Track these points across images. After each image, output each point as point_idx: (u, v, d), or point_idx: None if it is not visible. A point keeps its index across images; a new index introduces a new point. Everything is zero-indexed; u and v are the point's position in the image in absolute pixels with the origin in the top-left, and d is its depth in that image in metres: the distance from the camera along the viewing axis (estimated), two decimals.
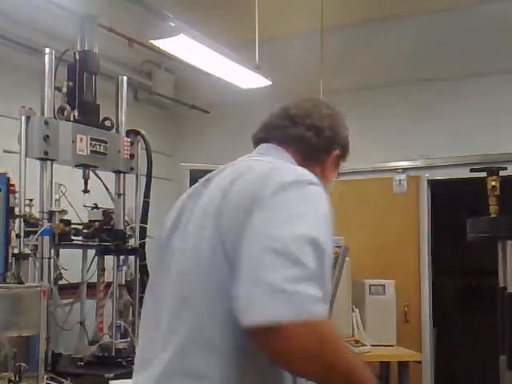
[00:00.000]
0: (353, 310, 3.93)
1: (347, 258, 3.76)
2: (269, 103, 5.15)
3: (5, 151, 3.01)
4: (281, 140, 1.45)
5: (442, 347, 5.35)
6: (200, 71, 3.65)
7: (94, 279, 3.11)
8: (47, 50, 2.63)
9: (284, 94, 4.72)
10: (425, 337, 4.80)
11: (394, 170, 4.94)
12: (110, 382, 2.48)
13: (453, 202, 5.63)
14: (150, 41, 3.08)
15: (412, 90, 4.83)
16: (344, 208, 4.96)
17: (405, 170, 4.93)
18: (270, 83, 3.90)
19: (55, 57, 2.66)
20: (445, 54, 4.57)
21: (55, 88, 2.68)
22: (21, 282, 2.07)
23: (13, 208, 2.47)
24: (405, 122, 4.91)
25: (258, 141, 1.53)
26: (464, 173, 4.63)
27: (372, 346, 3.81)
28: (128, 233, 3.07)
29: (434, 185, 4.95)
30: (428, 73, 4.67)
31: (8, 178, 2.42)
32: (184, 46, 3.16)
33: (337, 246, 3.73)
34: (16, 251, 2.46)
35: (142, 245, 3.10)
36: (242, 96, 4.34)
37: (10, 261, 2.39)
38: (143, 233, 3.13)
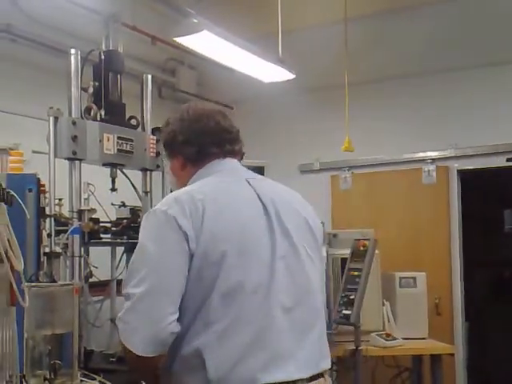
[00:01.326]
0: (383, 304, 3.91)
1: (376, 251, 3.74)
2: (293, 96, 5.24)
3: (33, 152, 3.07)
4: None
5: (475, 339, 5.28)
6: (223, 67, 3.67)
7: (123, 276, 3.15)
8: (73, 51, 2.67)
9: (308, 87, 4.78)
10: (457, 329, 4.76)
11: (423, 160, 4.89)
12: None
13: (483, 192, 5.54)
14: (173, 38, 3.10)
15: (439, 78, 4.77)
16: (373, 200, 4.94)
17: (434, 160, 4.87)
18: (294, 76, 3.88)
19: (81, 57, 2.69)
20: (474, 41, 4.49)
21: (81, 88, 2.72)
22: (53, 281, 2.12)
23: (43, 208, 2.52)
24: (432, 111, 4.85)
25: (241, 155, 1.79)
26: (494, 162, 4.56)
27: (403, 339, 3.80)
28: None
29: (464, 175, 4.88)
30: (456, 60, 4.61)
31: (38, 179, 2.47)
32: (207, 43, 3.18)
33: (365, 239, 3.72)
34: (47, 250, 2.51)
35: None
36: (265, 90, 4.35)
37: (41, 260, 2.45)
38: None
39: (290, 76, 3.89)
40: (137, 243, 2.93)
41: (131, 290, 1.43)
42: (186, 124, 1.63)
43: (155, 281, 1.41)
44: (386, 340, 3.72)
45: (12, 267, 1.83)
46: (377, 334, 3.74)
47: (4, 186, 1.96)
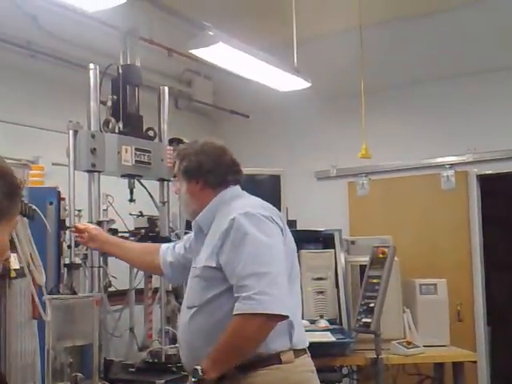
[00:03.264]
0: (404, 311, 3.88)
1: (396, 258, 3.72)
2: (309, 104, 5.23)
3: (53, 164, 3.12)
4: None
5: (497, 344, 5.20)
6: (239, 77, 3.69)
7: (142, 285, 3.19)
8: (92, 66, 2.71)
9: (324, 94, 4.78)
10: (479, 336, 4.70)
11: (441, 165, 4.85)
12: None
13: (504, 196, 5.47)
14: (190, 50, 3.13)
15: (457, 83, 4.74)
16: (391, 207, 4.91)
17: (452, 165, 4.82)
18: (309, 85, 3.89)
19: (99, 72, 2.74)
20: (491, 45, 4.45)
21: (100, 102, 2.76)
22: (74, 293, 2.15)
23: (64, 220, 2.56)
24: (450, 116, 4.81)
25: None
26: None
27: (425, 346, 3.76)
28: (173, 239, 3.13)
29: (483, 180, 4.83)
30: (473, 65, 4.57)
31: (59, 192, 2.51)
32: (223, 54, 3.21)
33: (385, 246, 3.70)
34: (67, 261, 2.55)
35: None
36: (281, 98, 4.36)
37: (62, 271, 2.49)
38: None
39: (306, 84, 3.90)
40: None
41: (263, 269, 1.73)
42: (210, 158, 2.01)
43: (279, 262, 1.77)
44: (407, 348, 3.68)
45: (34, 281, 1.87)
46: (397, 342, 3.71)
47: (26, 200, 2.00)
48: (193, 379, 1.76)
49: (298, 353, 1.87)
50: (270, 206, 1.96)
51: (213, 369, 1.74)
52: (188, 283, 2.00)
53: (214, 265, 1.82)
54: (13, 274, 1.74)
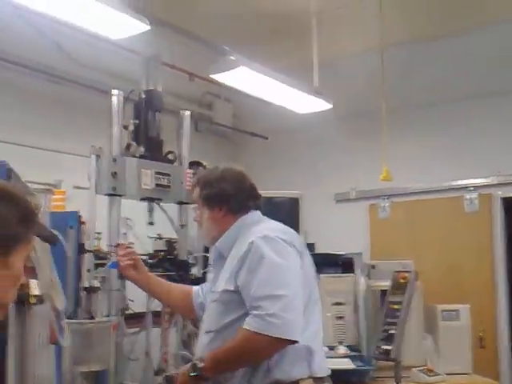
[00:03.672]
0: (425, 338, 3.83)
1: (417, 283, 3.68)
2: (328, 125, 5.22)
3: (74, 187, 3.19)
4: None
5: None
6: (258, 99, 3.74)
7: (159, 308, 3.21)
8: (115, 92, 2.79)
9: (344, 115, 4.79)
10: (502, 363, 4.61)
11: (465, 188, 4.81)
12: None
13: None
14: (211, 75, 3.19)
15: (479, 103, 4.72)
16: (413, 229, 4.88)
17: (476, 187, 4.78)
18: (330, 107, 3.92)
19: (122, 96, 2.81)
20: (509, 67, 4.43)
21: (122, 126, 2.83)
22: (91, 317, 2.18)
23: (83, 244, 2.61)
24: (474, 138, 4.78)
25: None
26: None
27: (446, 374, 3.70)
28: (191, 262, 3.16)
29: (507, 202, 4.77)
30: (496, 85, 4.55)
31: (79, 216, 2.57)
32: (243, 78, 3.26)
33: (406, 271, 3.67)
34: (86, 285, 2.59)
35: (205, 274, 3.18)
36: (300, 120, 4.40)
37: (80, 295, 2.53)
38: (206, 262, 3.21)
39: (327, 106, 3.93)
40: (171, 276, 3.04)
41: (278, 292, 1.75)
42: (231, 184, 2.04)
43: (295, 285, 1.79)
44: (428, 376, 3.63)
45: (53, 305, 1.91)
46: (418, 370, 3.66)
47: (47, 224, 2.05)
48: (191, 374, 1.80)
49: (318, 381, 1.87)
50: (291, 230, 1.98)
51: (212, 368, 1.79)
52: (206, 308, 2.01)
53: (233, 288, 1.83)
54: (32, 300, 1.77)
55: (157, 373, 3.00)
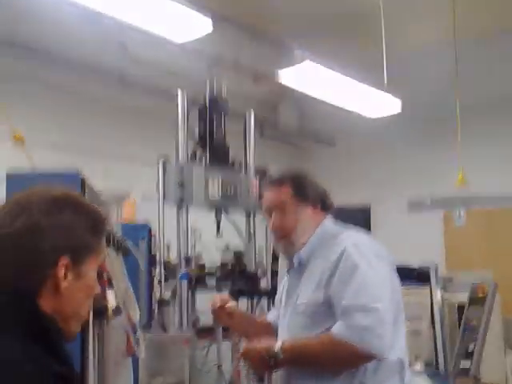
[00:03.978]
0: (506, 353, 3.70)
1: (497, 295, 3.56)
2: (398, 128, 5.09)
3: (143, 197, 3.27)
4: None
5: None
6: (325, 103, 3.71)
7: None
8: (179, 92, 2.83)
9: (415, 117, 4.68)
10: None
11: None
12: None
13: None
14: (277, 70, 3.17)
15: None
16: (491, 239, 4.71)
17: None
18: (400, 110, 3.84)
19: (187, 101, 2.85)
20: None
21: (188, 133, 2.88)
22: (164, 329, 2.23)
23: (154, 255, 2.67)
24: None
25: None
26: None
27: None
28: (259, 273, 3.17)
29: None
30: None
31: (150, 229, 2.62)
32: (309, 74, 3.23)
33: (484, 284, 3.55)
34: (157, 296, 2.65)
35: (274, 286, 3.18)
36: (368, 124, 4.33)
37: (153, 307, 2.59)
38: (274, 273, 3.22)
39: (397, 110, 3.85)
40: (239, 289, 3.06)
41: (373, 304, 1.72)
42: (313, 183, 1.96)
43: (387, 299, 1.77)
44: None
45: (129, 317, 1.96)
46: None
47: (119, 235, 2.11)
48: (268, 357, 1.76)
49: None
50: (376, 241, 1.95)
51: (289, 360, 1.77)
52: (283, 322, 1.94)
53: (322, 300, 1.78)
54: (111, 312, 1.82)
55: None
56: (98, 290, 1.13)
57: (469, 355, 3.36)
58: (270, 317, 2.13)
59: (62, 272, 1.02)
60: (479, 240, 4.78)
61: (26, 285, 1.02)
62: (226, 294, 2.18)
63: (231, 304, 1.97)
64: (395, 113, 3.93)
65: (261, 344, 1.82)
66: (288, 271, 2.02)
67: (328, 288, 1.77)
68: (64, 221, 1.05)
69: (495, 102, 4.67)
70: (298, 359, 1.79)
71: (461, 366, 3.36)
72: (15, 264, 1.03)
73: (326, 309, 1.78)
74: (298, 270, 1.93)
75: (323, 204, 1.93)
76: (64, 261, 1.03)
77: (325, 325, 1.77)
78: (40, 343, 0.97)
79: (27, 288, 1.02)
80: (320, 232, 1.91)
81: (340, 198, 3.79)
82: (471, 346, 3.38)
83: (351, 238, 1.85)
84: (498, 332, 3.71)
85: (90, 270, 1.08)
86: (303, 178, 1.96)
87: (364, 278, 1.76)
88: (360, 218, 3.25)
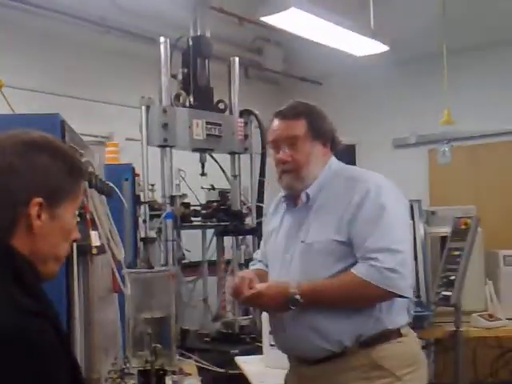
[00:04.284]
0: (486, 283, 3.79)
1: (479, 229, 3.62)
2: (385, 68, 5.06)
3: (127, 139, 3.26)
4: None
5: None
6: (310, 42, 3.64)
7: (214, 258, 3.31)
8: (162, 39, 2.79)
9: (402, 57, 4.62)
10: None
11: None
12: (236, 357, 2.64)
13: None
14: (261, 18, 3.12)
15: None
16: (474, 175, 4.74)
17: None
18: (387, 48, 3.78)
19: (170, 45, 2.80)
20: None
21: (171, 75, 2.84)
22: (150, 266, 2.28)
23: (138, 195, 2.70)
24: None
25: None
26: None
27: (507, 319, 3.67)
28: (244, 212, 3.21)
29: None
30: None
31: (133, 168, 2.63)
32: (295, 20, 3.17)
33: (467, 217, 3.60)
34: (142, 235, 2.70)
35: (260, 224, 3.23)
36: (354, 63, 4.26)
37: (138, 245, 2.64)
38: (259, 211, 3.26)
39: (384, 48, 3.78)
40: (225, 226, 3.10)
41: (397, 246, 1.73)
42: (328, 119, 1.92)
43: (409, 241, 1.84)
44: (489, 321, 3.62)
45: (113, 256, 2.01)
46: (478, 315, 3.64)
47: (102, 177, 2.13)
48: (285, 300, 1.72)
49: (409, 326, 1.90)
50: None
51: (309, 301, 1.72)
52: (285, 262, 1.84)
53: (344, 239, 1.74)
54: (94, 251, 1.86)
55: (214, 319, 3.12)
56: (77, 235, 1.14)
57: (450, 284, 3.44)
58: (261, 265, 2.06)
59: (34, 210, 1.02)
60: (463, 176, 4.81)
61: None
62: (250, 272, 1.95)
63: (257, 282, 1.81)
64: (382, 51, 3.86)
65: (274, 288, 1.77)
66: (288, 209, 1.93)
67: (351, 227, 1.75)
68: (39, 163, 1.05)
69: (481, 45, 4.60)
70: (318, 301, 1.76)
71: (442, 295, 3.45)
72: None
73: (346, 247, 1.75)
74: (304, 207, 1.86)
75: (332, 142, 1.88)
76: (37, 200, 1.03)
77: (346, 261, 1.75)
78: (15, 283, 0.98)
79: None
80: (329, 170, 1.86)
81: None
82: (452, 277, 3.45)
83: (373, 178, 1.81)
84: (478, 263, 3.79)
85: (66, 212, 1.08)
86: (319, 112, 1.89)
87: (389, 219, 1.74)
88: (345, 157, 3.23)
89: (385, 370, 1.76)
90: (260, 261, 2.11)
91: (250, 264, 2.17)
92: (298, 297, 1.72)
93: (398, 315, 1.82)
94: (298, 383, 1.92)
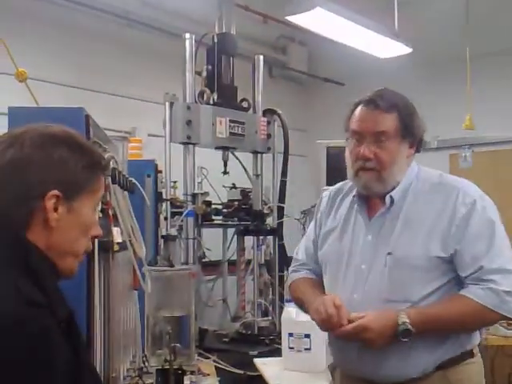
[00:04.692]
0: None
1: None
2: (408, 71, 4.96)
3: (149, 135, 3.19)
4: None
5: None
6: (334, 43, 3.56)
7: (234, 257, 3.23)
8: (187, 36, 2.72)
9: (425, 60, 4.51)
10: None
11: None
12: (254, 359, 2.57)
13: None
14: (286, 17, 3.05)
15: None
16: (496, 180, 4.62)
17: None
18: (410, 50, 3.68)
19: (195, 41, 2.74)
20: None
21: (195, 72, 2.77)
22: (171, 264, 2.20)
23: (161, 193, 2.62)
24: None
25: None
26: None
27: None
28: (265, 212, 3.13)
29: None
30: None
31: (156, 165, 2.56)
32: (320, 20, 3.10)
33: None
34: (164, 233, 2.62)
35: (281, 224, 3.15)
36: (378, 65, 4.17)
37: (159, 243, 2.56)
38: (281, 212, 3.18)
39: (407, 50, 3.69)
40: (246, 225, 3.02)
41: (509, 266, 1.56)
42: (421, 120, 1.69)
43: None
44: (508, 329, 3.52)
45: (135, 253, 1.94)
46: (498, 323, 3.54)
47: (125, 172, 2.06)
48: (398, 333, 1.50)
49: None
50: None
51: (420, 331, 1.51)
52: (369, 271, 1.61)
53: (447, 255, 1.55)
54: (116, 248, 1.80)
55: (233, 319, 3.05)
56: (98, 231, 1.10)
57: None
58: (314, 277, 1.80)
59: (50, 203, 0.98)
60: (484, 181, 4.68)
61: (14, 217, 0.98)
62: (335, 297, 1.60)
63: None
64: (405, 53, 3.77)
65: (381, 320, 1.52)
66: (360, 212, 1.68)
67: (458, 243, 1.55)
68: (57, 156, 1.00)
69: (504, 49, 4.49)
70: (429, 330, 1.55)
71: None
72: (2, 196, 0.98)
73: (447, 265, 1.56)
74: (387, 213, 1.62)
75: (419, 143, 1.65)
76: (53, 192, 0.98)
77: (439, 281, 1.57)
78: (27, 275, 0.94)
79: (15, 221, 0.98)
80: (411, 173, 1.64)
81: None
82: None
83: (471, 187, 1.62)
84: None
85: (84, 207, 1.04)
86: (413, 109, 1.66)
87: (501, 235, 1.58)
88: None
89: None
90: (306, 268, 1.82)
91: (291, 269, 1.87)
92: (410, 327, 1.50)
93: (474, 335, 1.67)
94: None
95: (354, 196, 1.71)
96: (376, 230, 1.63)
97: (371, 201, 1.67)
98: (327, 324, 1.55)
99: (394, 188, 1.63)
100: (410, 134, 1.62)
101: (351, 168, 1.65)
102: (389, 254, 1.58)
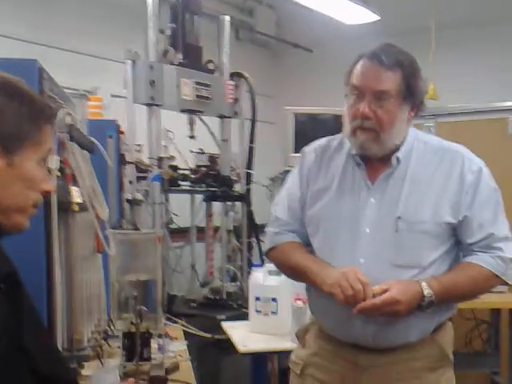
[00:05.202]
0: None
1: None
2: (375, 40, 4.78)
3: (112, 96, 3.00)
4: None
5: None
6: (303, 7, 3.43)
7: (202, 223, 3.12)
8: None
9: (391, 30, 4.40)
10: None
11: (510, 109, 4.47)
12: (222, 323, 2.53)
13: None
14: None
15: None
16: None
17: None
18: (378, 18, 3.59)
19: None
20: None
21: (159, 30, 2.60)
22: (136, 228, 2.08)
23: (124, 155, 2.47)
24: None
25: None
26: None
27: None
28: (233, 178, 3.02)
29: None
30: None
31: (118, 125, 2.40)
32: None
33: None
34: (129, 197, 2.48)
35: (249, 190, 3.05)
36: (346, 32, 4.07)
37: (123, 207, 2.42)
38: (249, 178, 3.07)
39: (374, 18, 3.60)
40: (214, 191, 2.91)
41: (510, 234, 1.57)
42: (424, 81, 1.60)
43: None
44: None
45: (97, 215, 1.79)
46: None
47: (85, 132, 1.90)
48: (423, 303, 1.46)
49: None
50: None
51: (440, 301, 1.47)
52: (373, 235, 1.50)
53: (456, 221, 1.50)
54: (75, 208, 1.65)
55: (202, 285, 2.98)
56: (48, 186, 1.00)
57: None
58: (294, 237, 1.63)
59: None
60: None
61: None
62: (357, 270, 1.46)
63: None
64: (372, 21, 3.68)
65: (408, 292, 1.45)
66: (358, 171, 1.56)
67: (468, 210, 1.51)
68: None
69: (469, 23, 4.45)
70: (447, 299, 1.53)
71: None
72: None
73: (453, 230, 1.53)
74: (393, 176, 1.52)
75: (419, 108, 1.54)
76: None
77: (445, 246, 1.53)
78: None
79: None
80: (410, 137, 1.56)
81: (313, 104, 3.59)
82: None
83: (472, 154, 1.60)
84: None
85: (27, 160, 0.94)
86: (417, 67, 1.53)
87: (501, 204, 1.57)
88: (332, 126, 3.05)
89: (448, 359, 1.61)
90: (290, 229, 1.63)
91: (273, 229, 1.65)
92: (433, 298, 1.46)
93: None
94: (347, 371, 1.57)
95: (352, 155, 1.56)
96: (380, 192, 1.52)
97: (369, 161, 1.55)
98: (351, 299, 1.43)
99: (391, 150, 1.53)
100: (412, 95, 1.51)
101: (348, 125, 1.53)
102: (399, 218, 1.49)
